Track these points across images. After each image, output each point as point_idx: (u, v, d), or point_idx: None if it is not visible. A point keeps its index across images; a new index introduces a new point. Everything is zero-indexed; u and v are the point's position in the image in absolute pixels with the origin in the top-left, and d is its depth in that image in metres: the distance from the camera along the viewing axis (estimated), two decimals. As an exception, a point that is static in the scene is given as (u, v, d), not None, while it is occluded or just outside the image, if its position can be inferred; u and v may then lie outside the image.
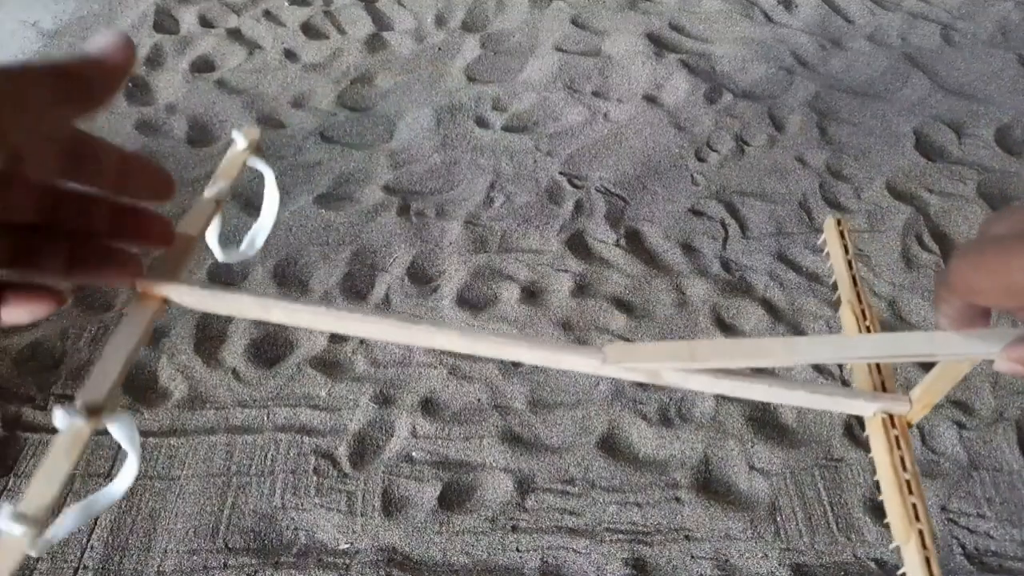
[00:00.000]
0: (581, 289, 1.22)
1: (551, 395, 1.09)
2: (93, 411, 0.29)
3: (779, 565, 0.92)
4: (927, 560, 0.36)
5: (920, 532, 0.37)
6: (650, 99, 1.61)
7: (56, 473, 0.28)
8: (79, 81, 0.28)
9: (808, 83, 1.63)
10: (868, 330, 0.47)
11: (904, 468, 0.39)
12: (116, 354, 0.32)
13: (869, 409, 0.41)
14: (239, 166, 0.40)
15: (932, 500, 0.97)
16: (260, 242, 0.40)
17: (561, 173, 1.44)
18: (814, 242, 1.30)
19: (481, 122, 1.57)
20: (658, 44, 1.75)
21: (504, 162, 1.47)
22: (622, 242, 1.30)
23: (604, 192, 1.40)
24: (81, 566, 0.92)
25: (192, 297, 0.34)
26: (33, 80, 0.26)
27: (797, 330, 1.16)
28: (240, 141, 0.41)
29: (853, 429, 1.05)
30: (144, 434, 1.04)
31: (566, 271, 1.25)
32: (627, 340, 1.15)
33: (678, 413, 1.06)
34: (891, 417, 0.41)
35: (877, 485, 0.40)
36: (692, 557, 0.93)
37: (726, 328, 1.17)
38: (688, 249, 1.29)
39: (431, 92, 1.65)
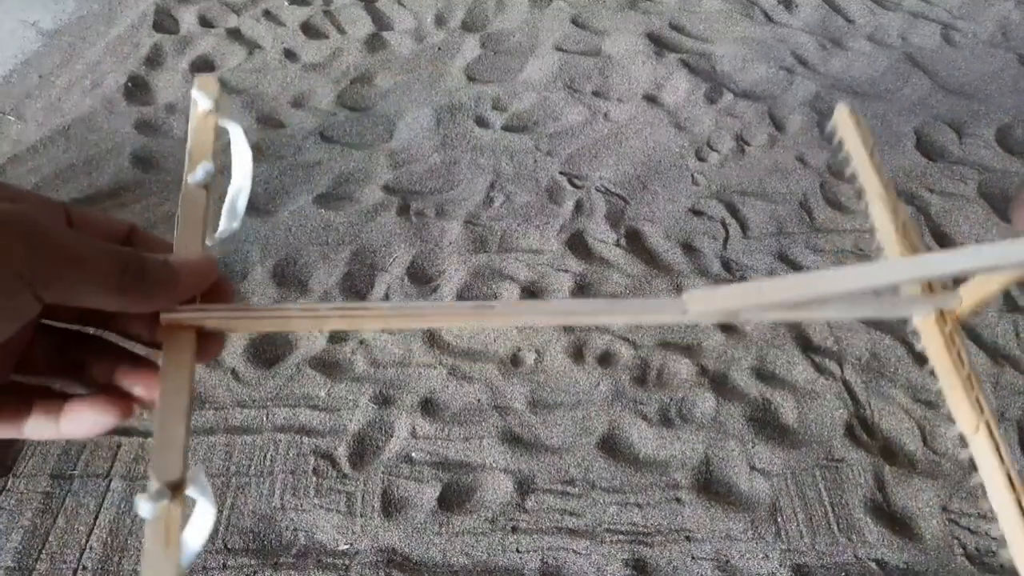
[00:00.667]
0: (581, 289, 1.22)
1: (551, 395, 1.08)
2: (176, 488, 0.27)
3: (780, 566, 0.92)
4: (997, 448, 0.37)
5: (987, 423, 0.39)
6: (650, 99, 1.61)
7: (164, 569, 0.25)
8: (141, 287, 0.27)
9: (808, 83, 1.63)
10: (904, 225, 0.46)
11: (963, 363, 0.41)
12: (173, 414, 0.28)
13: (925, 307, 0.42)
14: (211, 132, 0.36)
15: (933, 500, 0.97)
16: (242, 207, 0.35)
17: (561, 173, 1.44)
18: (815, 242, 1.30)
19: (481, 122, 1.57)
20: (658, 44, 1.75)
21: (504, 162, 1.47)
22: (622, 242, 1.30)
23: (604, 192, 1.40)
24: (80, 566, 0.91)
25: (230, 321, 0.31)
26: (101, 269, 0.26)
27: (798, 330, 1.16)
28: (203, 100, 0.35)
29: (854, 429, 1.04)
30: (144, 434, 1.04)
31: (566, 271, 1.25)
32: (628, 340, 1.15)
33: (678, 413, 1.06)
34: (943, 315, 0.42)
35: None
36: (693, 558, 0.93)
37: (727, 328, 1.17)
38: (688, 249, 1.29)
39: (431, 92, 1.64)
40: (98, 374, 0.30)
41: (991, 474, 0.37)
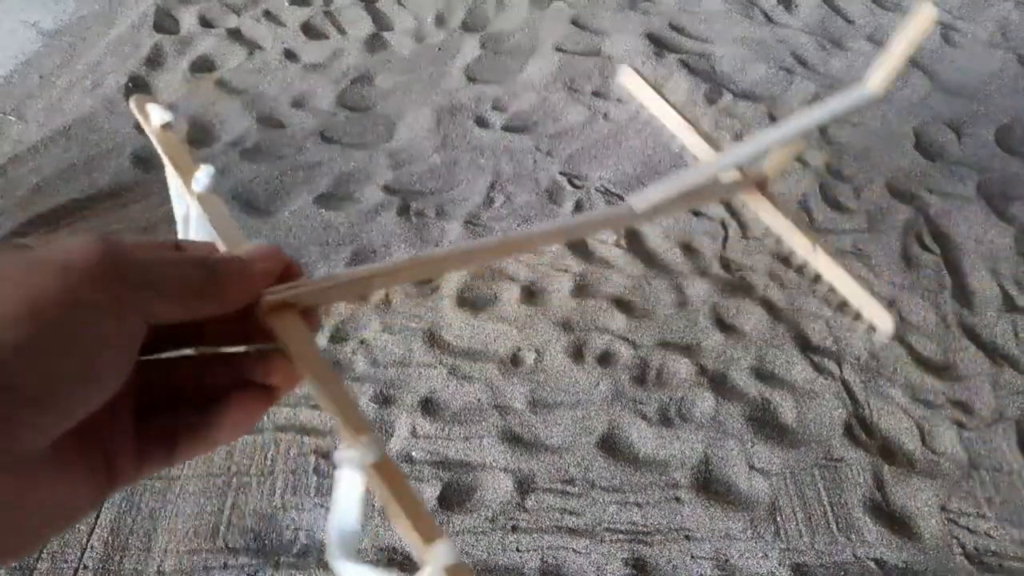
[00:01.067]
0: (581, 289, 1.22)
1: (551, 395, 1.09)
2: (377, 443, 0.30)
3: (779, 565, 0.92)
4: (827, 256, 0.58)
5: (818, 243, 0.58)
6: (650, 99, 1.61)
7: (419, 503, 0.28)
8: (222, 285, 0.28)
9: (808, 83, 1.63)
10: (706, 135, 0.65)
11: (782, 211, 0.58)
12: (331, 382, 0.30)
13: (745, 185, 0.59)
14: (179, 142, 0.37)
15: (932, 500, 0.97)
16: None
17: (561, 173, 1.44)
18: (814, 242, 1.30)
19: (481, 122, 1.57)
20: (658, 44, 1.75)
21: (504, 162, 1.47)
22: (622, 242, 1.30)
23: (604, 192, 1.40)
24: (81, 566, 0.92)
25: (325, 292, 0.32)
26: (185, 277, 0.26)
27: (797, 330, 1.16)
28: (158, 114, 0.37)
29: (853, 429, 1.05)
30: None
31: (566, 271, 1.25)
32: (628, 340, 1.15)
33: (678, 413, 1.07)
34: (758, 185, 0.60)
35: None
36: (692, 557, 0.93)
37: (726, 328, 1.17)
38: (688, 249, 1.29)
39: (431, 92, 1.64)
40: (221, 383, 0.31)
41: (825, 270, 0.55)
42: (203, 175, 0.35)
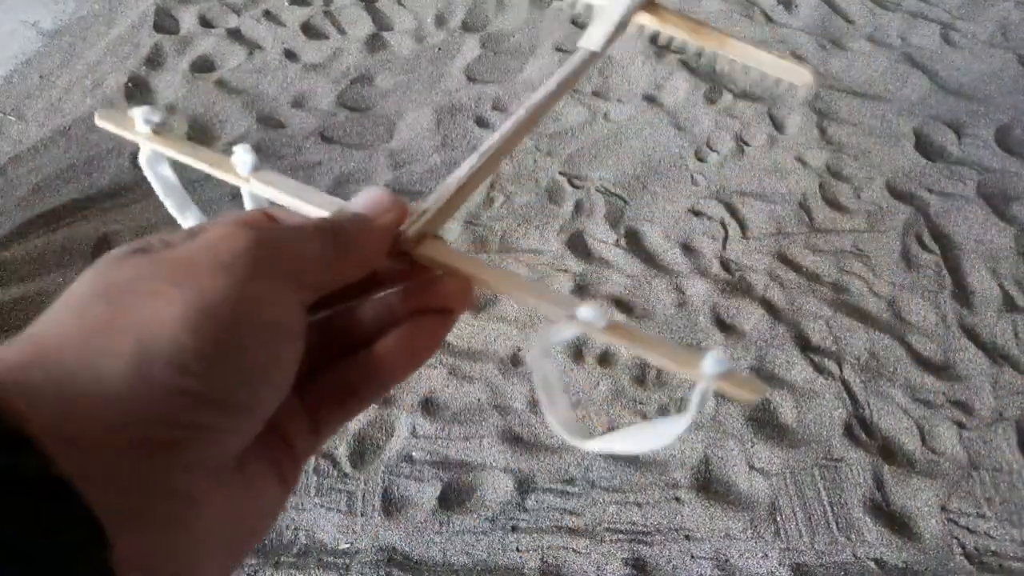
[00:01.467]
0: (581, 289, 1.22)
1: (551, 395, 1.09)
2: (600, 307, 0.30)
3: (779, 565, 0.92)
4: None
5: (728, 36, 0.57)
6: (650, 99, 1.61)
7: (656, 340, 0.29)
8: (356, 243, 0.27)
9: (808, 83, 1.63)
10: None
11: (698, 23, 0.59)
12: (510, 277, 0.31)
13: (646, 6, 0.60)
14: (188, 143, 0.35)
15: (932, 500, 0.98)
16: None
17: (561, 173, 1.44)
18: (814, 242, 1.30)
19: (481, 122, 1.57)
20: (658, 44, 1.75)
21: (504, 162, 1.47)
22: (622, 242, 1.30)
23: (604, 192, 1.40)
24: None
25: (444, 212, 0.33)
26: (317, 245, 0.26)
27: (797, 330, 1.16)
28: (140, 119, 0.33)
29: (853, 429, 1.05)
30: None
31: (566, 271, 1.25)
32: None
33: (678, 412, 1.06)
34: (650, 6, 0.61)
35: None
36: (692, 557, 0.93)
37: (726, 328, 1.17)
38: (688, 249, 1.29)
39: (431, 92, 1.64)
40: (366, 332, 0.30)
41: (738, 54, 0.55)
42: (243, 153, 0.32)
